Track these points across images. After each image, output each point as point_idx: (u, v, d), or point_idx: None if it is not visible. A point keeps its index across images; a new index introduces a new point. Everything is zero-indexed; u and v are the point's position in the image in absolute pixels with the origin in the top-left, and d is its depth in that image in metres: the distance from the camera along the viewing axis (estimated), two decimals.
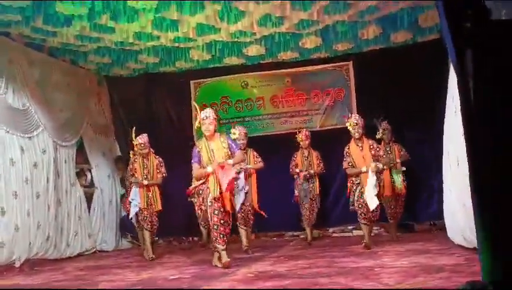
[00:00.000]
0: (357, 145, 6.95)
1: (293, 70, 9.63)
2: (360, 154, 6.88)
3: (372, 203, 6.65)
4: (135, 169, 7.58)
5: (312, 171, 8.18)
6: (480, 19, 2.88)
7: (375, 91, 8.89)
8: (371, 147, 6.92)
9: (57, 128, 8.03)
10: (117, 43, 7.83)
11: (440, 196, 7.04)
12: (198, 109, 6.15)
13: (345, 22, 7.68)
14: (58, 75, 8.29)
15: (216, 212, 5.82)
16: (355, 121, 6.91)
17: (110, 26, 7.04)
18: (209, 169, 5.87)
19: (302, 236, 8.92)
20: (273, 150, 8.79)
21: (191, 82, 9.98)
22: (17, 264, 6.87)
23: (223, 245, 5.88)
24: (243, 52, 8.58)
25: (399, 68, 8.66)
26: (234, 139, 6.70)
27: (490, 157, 3.00)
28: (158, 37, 7.64)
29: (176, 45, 8.14)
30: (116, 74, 9.51)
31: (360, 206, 6.83)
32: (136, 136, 7.56)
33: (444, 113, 6.53)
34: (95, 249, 8.88)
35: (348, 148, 7.01)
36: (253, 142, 7.87)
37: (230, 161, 5.95)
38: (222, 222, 5.84)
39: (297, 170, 8.24)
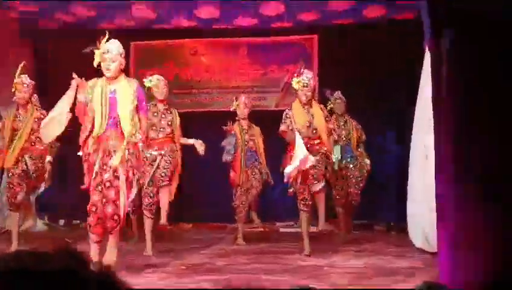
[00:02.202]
0: (303, 109, 6.34)
1: (250, 39, 9.64)
2: (305, 119, 6.27)
3: (309, 161, 5.94)
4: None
5: (251, 145, 7.49)
6: None
7: (340, 70, 8.92)
8: (321, 109, 6.41)
9: None
10: None
11: (403, 193, 7.16)
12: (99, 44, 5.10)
13: None
14: None
15: (107, 184, 4.76)
16: (306, 81, 6.23)
17: None
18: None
19: (246, 229, 8.96)
20: (218, 129, 8.73)
21: (131, 43, 9.81)
22: None
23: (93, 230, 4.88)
24: (194, 14, 8.51)
25: (369, 46, 8.77)
26: (149, 88, 6.30)
27: (455, 147, 3.11)
28: None
29: None
30: (43, 26, 9.25)
31: (302, 189, 6.22)
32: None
33: (415, 100, 6.65)
34: (3, 230, 8.67)
35: (290, 109, 6.38)
36: (197, 119, 7.83)
37: (139, 137, 4.90)
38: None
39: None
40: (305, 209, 6.26)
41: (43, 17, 8.81)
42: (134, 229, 7.41)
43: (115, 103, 4.86)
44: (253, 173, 7.50)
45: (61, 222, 9.27)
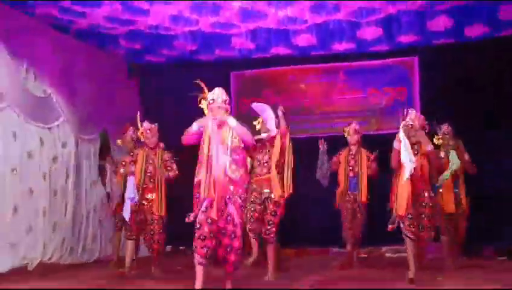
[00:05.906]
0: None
1: (348, 64, 9.63)
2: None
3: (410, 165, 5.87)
4: (134, 163, 7.04)
5: (356, 170, 7.64)
6: None
7: (443, 92, 8.74)
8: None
9: (79, 119, 8.18)
10: (151, 28, 7.96)
11: None
12: (205, 90, 5.69)
13: (410, 12, 7.62)
14: (84, 60, 8.46)
15: (209, 221, 5.03)
16: (410, 122, 6.04)
17: (144, 8, 7.17)
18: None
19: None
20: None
21: (231, 73, 10.06)
22: (30, 268, 7.04)
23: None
24: (292, 42, 8.60)
25: (472, 66, 8.54)
26: (259, 130, 6.57)
27: None
28: (196, 22, 7.74)
29: (216, 31, 8.22)
30: (148, 61, 9.65)
31: (409, 216, 6.07)
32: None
33: None
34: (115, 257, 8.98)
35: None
36: (299, 145, 7.82)
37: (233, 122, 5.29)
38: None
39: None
40: (412, 237, 6.17)
41: (148, 53, 9.19)
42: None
43: (218, 142, 5.23)
44: (358, 205, 7.63)
45: (168, 247, 9.49)
